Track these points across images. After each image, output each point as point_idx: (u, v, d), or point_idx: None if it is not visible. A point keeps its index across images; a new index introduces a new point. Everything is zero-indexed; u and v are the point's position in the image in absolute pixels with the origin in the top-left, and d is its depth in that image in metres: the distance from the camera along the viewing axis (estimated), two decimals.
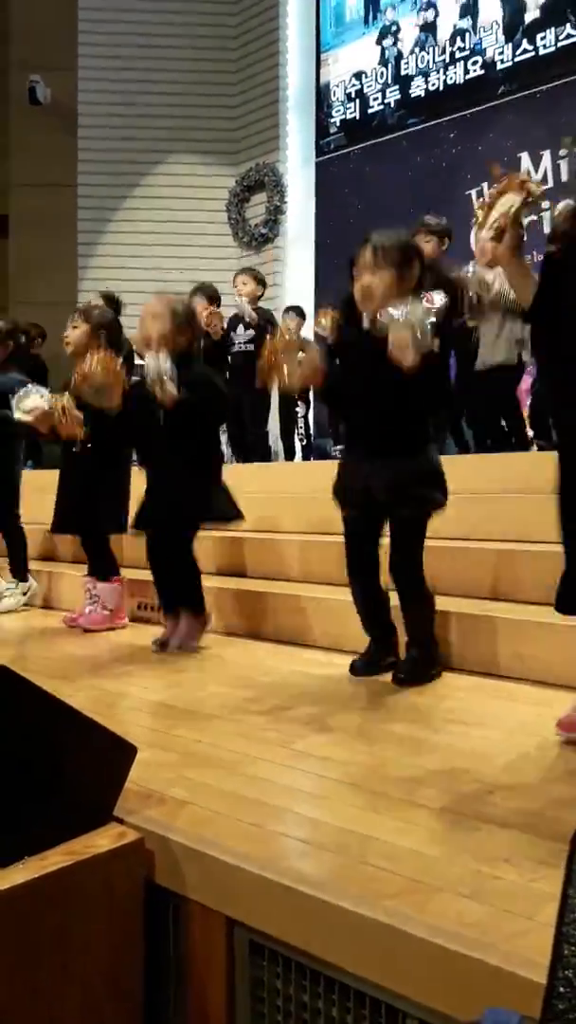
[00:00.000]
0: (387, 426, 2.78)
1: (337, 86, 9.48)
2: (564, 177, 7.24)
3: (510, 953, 1.21)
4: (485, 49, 8.13)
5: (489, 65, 8.11)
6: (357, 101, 9.29)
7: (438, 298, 2.71)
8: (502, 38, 8.00)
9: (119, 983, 1.64)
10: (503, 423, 5.37)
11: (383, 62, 9.05)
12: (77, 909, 1.58)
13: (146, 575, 3.72)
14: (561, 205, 3.02)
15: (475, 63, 8.23)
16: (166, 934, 1.70)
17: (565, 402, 2.20)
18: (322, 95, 9.63)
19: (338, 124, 9.49)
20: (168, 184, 10.08)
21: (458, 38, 8.36)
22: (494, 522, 3.72)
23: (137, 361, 5.22)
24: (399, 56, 8.90)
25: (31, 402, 3.76)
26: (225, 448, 6.69)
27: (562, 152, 7.19)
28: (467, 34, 8.29)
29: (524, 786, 1.91)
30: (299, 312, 7.74)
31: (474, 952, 1.23)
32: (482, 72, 8.17)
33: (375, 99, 9.12)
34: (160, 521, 3.45)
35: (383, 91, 9.05)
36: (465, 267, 5.17)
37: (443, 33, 8.49)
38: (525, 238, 2.19)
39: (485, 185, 7.84)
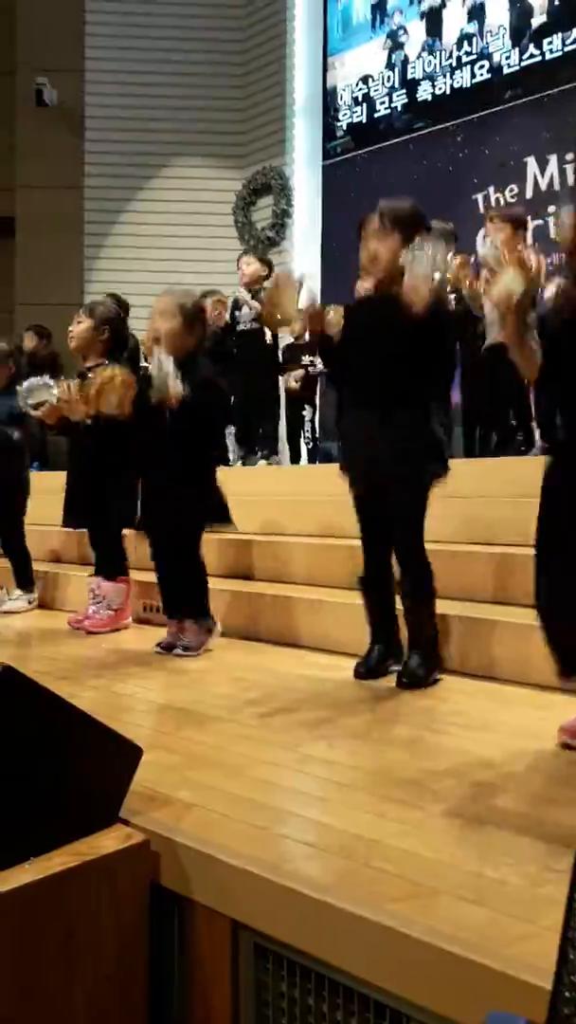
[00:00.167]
0: (390, 383, 2.79)
1: (344, 90, 9.48)
2: (571, 181, 7.23)
3: (513, 957, 1.22)
4: (492, 54, 8.14)
5: (496, 69, 8.10)
6: (364, 105, 9.29)
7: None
8: (509, 43, 8.00)
9: (123, 984, 1.65)
10: (510, 418, 5.32)
11: (390, 66, 9.05)
12: (82, 910, 1.59)
13: (152, 577, 3.72)
14: (564, 214, 3.05)
15: (482, 67, 8.23)
16: (171, 936, 1.70)
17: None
18: (329, 99, 9.61)
19: (345, 128, 9.48)
20: (175, 187, 10.06)
21: (465, 42, 8.36)
22: (496, 526, 3.71)
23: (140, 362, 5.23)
24: (406, 60, 8.90)
25: (38, 396, 3.77)
26: (232, 446, 6.66)
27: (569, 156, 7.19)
28: (474, 38, 8.29)
29: (527, 790, 1.92)
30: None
31: (477, 956, 1.24)
32: (489, 76, 8.17)
33: (382, 103, 9.11)
34: (162, 523, 3.45)
35: (390, 95, 9.04)
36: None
37: (450, 37, 8.49)
38: (531, 319, 2.25)
39: (491, 189, 7.88)
